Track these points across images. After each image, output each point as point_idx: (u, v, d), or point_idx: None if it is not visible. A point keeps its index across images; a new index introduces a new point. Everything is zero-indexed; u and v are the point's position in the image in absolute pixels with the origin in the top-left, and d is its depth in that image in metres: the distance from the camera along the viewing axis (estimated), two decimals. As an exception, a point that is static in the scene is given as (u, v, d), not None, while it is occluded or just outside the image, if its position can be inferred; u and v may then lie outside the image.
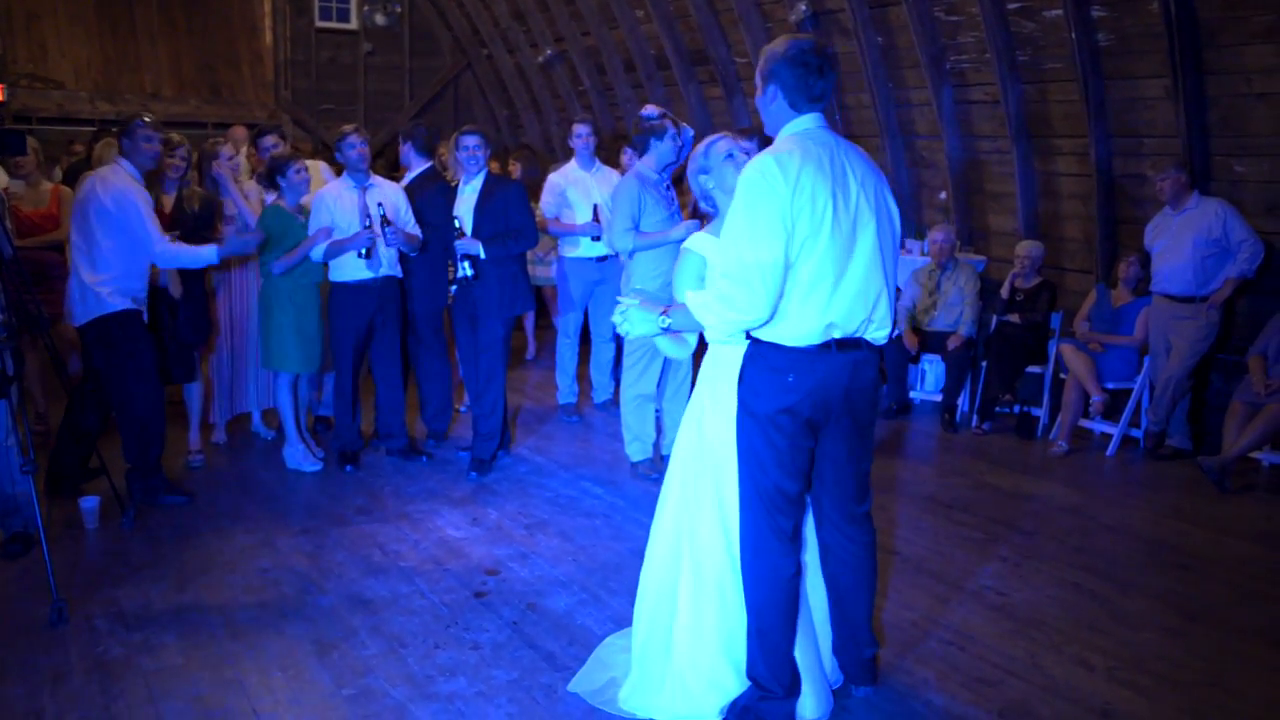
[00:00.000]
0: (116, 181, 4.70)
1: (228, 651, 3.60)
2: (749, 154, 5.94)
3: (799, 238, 2.87)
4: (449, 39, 12.74)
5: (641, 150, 5.47)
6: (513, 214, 5.55)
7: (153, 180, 5.31)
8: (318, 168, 6.50)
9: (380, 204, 5.39)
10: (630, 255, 5.44)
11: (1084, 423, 6.48)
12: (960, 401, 6.95)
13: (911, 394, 7.29)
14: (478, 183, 5.60)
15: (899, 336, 6.97)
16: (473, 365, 5.72)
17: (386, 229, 5.34)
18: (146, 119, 4.83)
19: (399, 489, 5.36)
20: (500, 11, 11.56)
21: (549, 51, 11.16)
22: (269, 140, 6.31)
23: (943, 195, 7.78)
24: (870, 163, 3.11)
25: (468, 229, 5.53)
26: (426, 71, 12.78)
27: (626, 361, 5.60)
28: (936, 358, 7.08)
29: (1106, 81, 6.49)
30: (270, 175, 5.40)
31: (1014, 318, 6.78)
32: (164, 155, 5.19)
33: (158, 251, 4.76)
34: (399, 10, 12.44)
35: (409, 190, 5.82)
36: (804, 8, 7.92)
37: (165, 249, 4.78)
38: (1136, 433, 6.37)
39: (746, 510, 3.12)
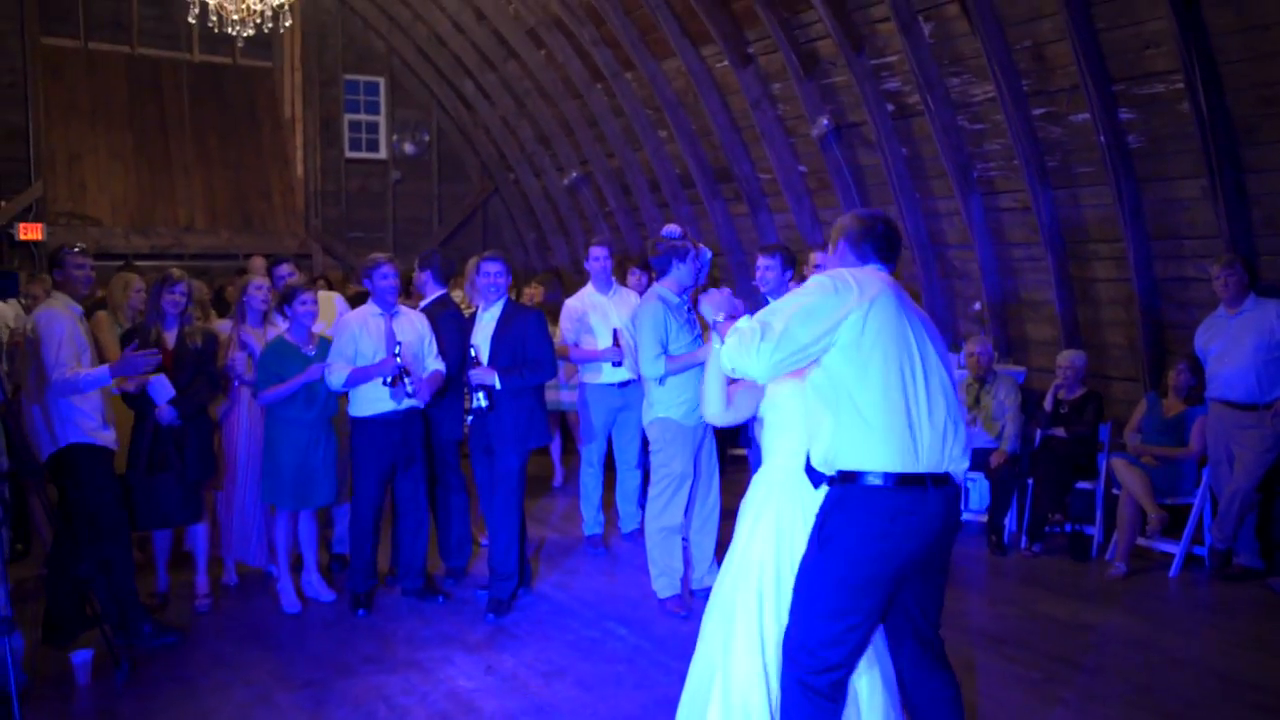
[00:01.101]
0: (47, 308, 4.76)
1: (210, 831, 3.29)
2: (769, 269, 5.78)
3: (848, 341, 2.90)
4: (476, 164, 12.92)
5: (662, 271, 5.30)
6: (530, 344, 5.38)
7: (149, 318, 5.26)
8: (330, 300, 6.40)
9: (400, 354, 5.16)
10: (661, 381, 5.22)
11: (1142, 541, 6.06)
12: (1008, 522, 6.56)
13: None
14: (496, 310, 5.45)
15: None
16: (490, 499, 5.47)
17: (406, 379, 5.14)
18: (76, 248, 4.95)
19: (412, 633, 5.06)
20: (525, 136, 11.70)
21: (574, 174, 11.22)
22: (284, 269, 6.27)
23: (976, 306, 7.54)
24: None
25: (484, 358, 5.37)
26: (454, 197, 12.94)
27: (652, 492, 5.33)
28: (980, 475, 6.72)
29: (1140, 183, 6.30)
30: (280, 304, 5.30)
31: (1060, 431, 6.44)
32: (163, 292, 5.15)
33: (54, 380, 4.61)
34: (427, 139, 12.67)
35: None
36: (826, 122, 7.87)
37: (61, 377, 4.61)
38: (1200, 550, 5.94)
39: (791, 666, 2.96)
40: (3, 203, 10.56)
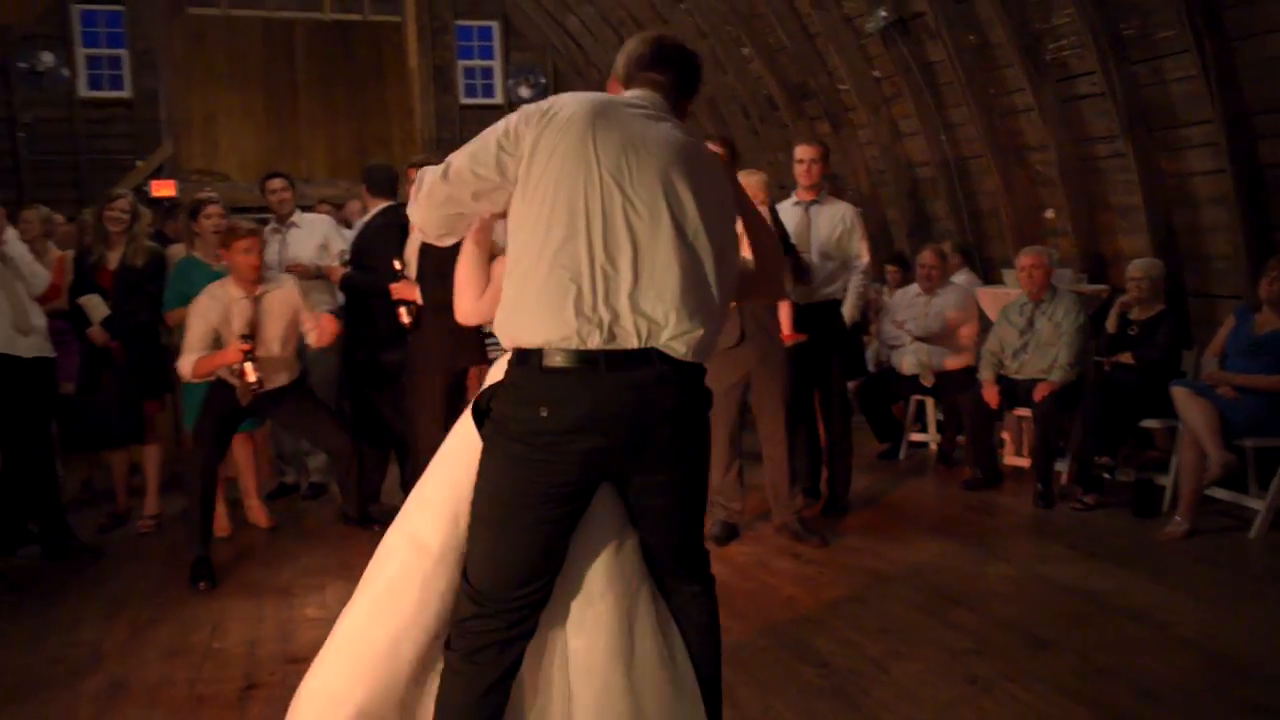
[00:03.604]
0: None
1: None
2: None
3: (520, 177, 2.18)
4: (595, 106, 12.51)
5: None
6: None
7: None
8: (317, 220, 6.22)
9: (250, 340, 4.49)
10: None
11: (1226, 495, 4.81)
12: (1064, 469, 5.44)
13: (1010, 461, 5.83)
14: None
15: (979, 391, 5.58)
16: (412, 424, 5.08)
17: (250, 365, 4.42)
18: None
19: (317, 560, 4.76)
20: (629, 70, 11.17)
21: (673, 105, 10.58)
22: (275, 184, 6.23)
23: (1048, 214, 6.31)
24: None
25: (411, 272, 4.99)
26: (573, 141, 12.58)
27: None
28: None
29: (1232, 44, 4.96)
30: (187, 219, 5.13)
31: (1124, 358, 5.23)
32: (103, 211, 5.12)
33: None
34: (544, 82, 12.38)
35: (366, 231, 5.41)
36: (883, 14, 6.84)
37: None
38: (1305, 509, 4.63)
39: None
40: (140, 163, 11.24)
